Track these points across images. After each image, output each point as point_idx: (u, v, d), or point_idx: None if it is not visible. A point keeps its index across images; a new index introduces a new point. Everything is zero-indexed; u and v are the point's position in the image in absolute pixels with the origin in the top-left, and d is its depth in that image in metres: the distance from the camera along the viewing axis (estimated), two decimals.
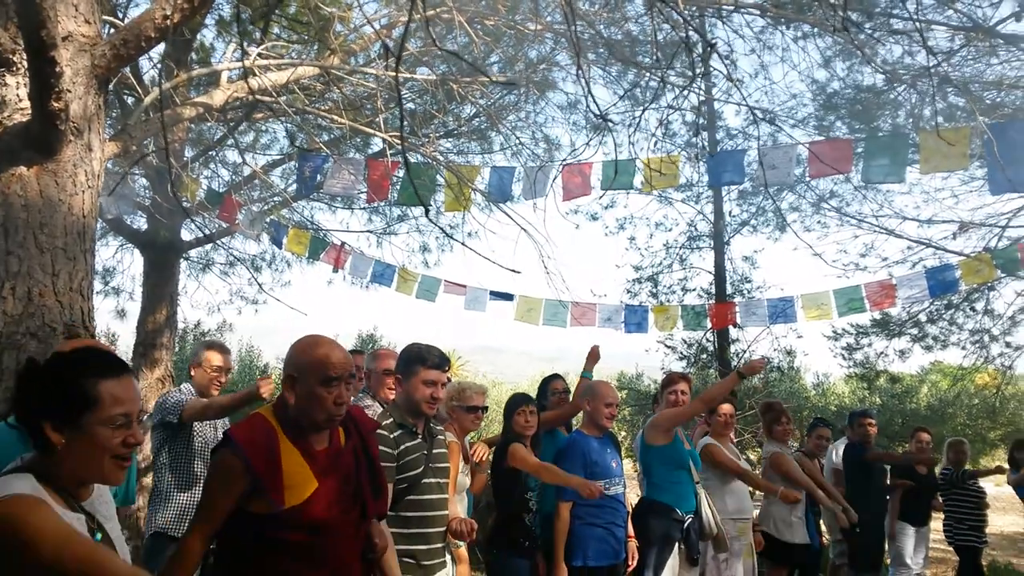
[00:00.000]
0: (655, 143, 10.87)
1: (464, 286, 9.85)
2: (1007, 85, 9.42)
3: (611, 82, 9.75)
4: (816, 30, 6.77)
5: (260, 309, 12.12)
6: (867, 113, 9.00)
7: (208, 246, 11.57)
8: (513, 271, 2.89)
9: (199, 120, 6.63)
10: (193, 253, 11.45)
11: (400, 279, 10.41)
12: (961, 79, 9.34)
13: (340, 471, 2.56)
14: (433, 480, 3.37)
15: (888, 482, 7.28)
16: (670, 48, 7.49)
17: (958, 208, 10.63)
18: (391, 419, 3.33)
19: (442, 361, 3.45)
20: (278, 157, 10.70)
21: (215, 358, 4.51)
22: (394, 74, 5.35)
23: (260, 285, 10.74)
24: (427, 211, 2.82)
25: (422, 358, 3.41)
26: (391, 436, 3.26)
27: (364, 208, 11.81)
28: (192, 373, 4.56)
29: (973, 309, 11.02)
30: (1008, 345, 11.14)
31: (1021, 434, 9.58)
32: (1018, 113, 8.49)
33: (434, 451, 3.42)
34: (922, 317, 11.42)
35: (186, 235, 10.63)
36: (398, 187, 8.88)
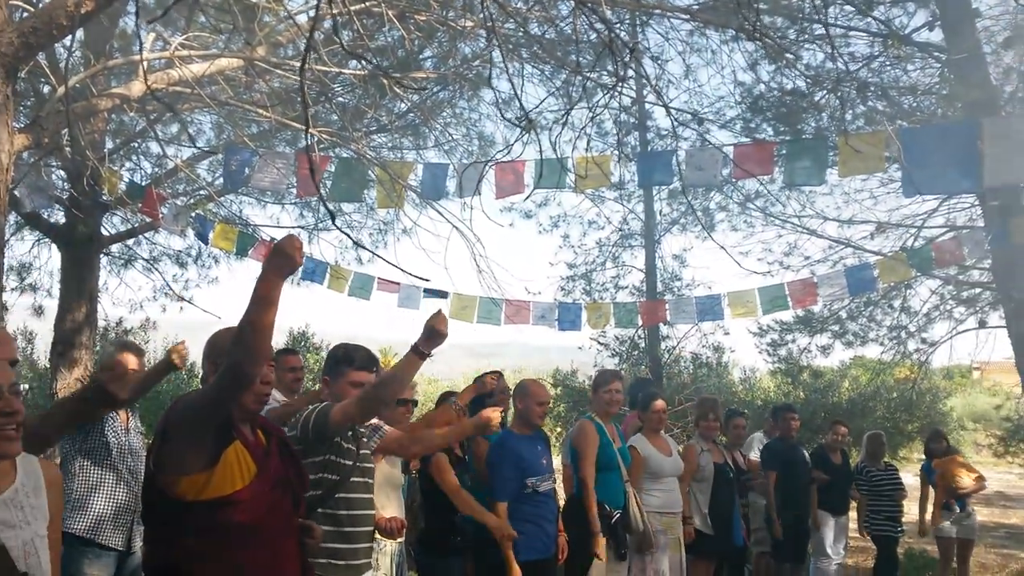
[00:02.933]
0: (587, 142, 11.00)
1: (398, 283, 9.78)
2: (921, 91, 9.86)
3: (546, 80, 9.81)
4: (739, 35, 6.95)
5: (185, 307, 11.77)
6: (790, 116, 9.29)
7: (130, 241, 11.21)
8: (423, 279, 2.88)
9: (117, 111, 6.39)
10: (114, 248, 11.06)
11: (332, 276, 10.28)
12: (879, 84, 9.73)
13: (271, 461, 2.58)
14: (360, 479, 3.34)
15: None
16: (599, 48, 7.58)
17: (876, 209, 11.01)
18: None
19: (370, 361, 3.41)
20: (205, 149, 10.42)
21: (130, 360, 4.35)
22: (322, 68, 5.27)
23: (170, 286, 10.45)
24: (333, 219, 2.72)
25: (349, 359, 3.37)
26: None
27: (295, 203, 11.61)
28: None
29: (891, 306, 11.48)
30: (924, 341, 11.65)
31: (936, 426, 10.01)
32: (930, 118, 8.88)
33: (361, 451, 3.38)
34: (843, 314, 11.83)
35: (107, 229, 10.27)
36: (330, 183, 8.76)
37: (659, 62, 11.00)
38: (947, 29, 8.94)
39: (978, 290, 10.43)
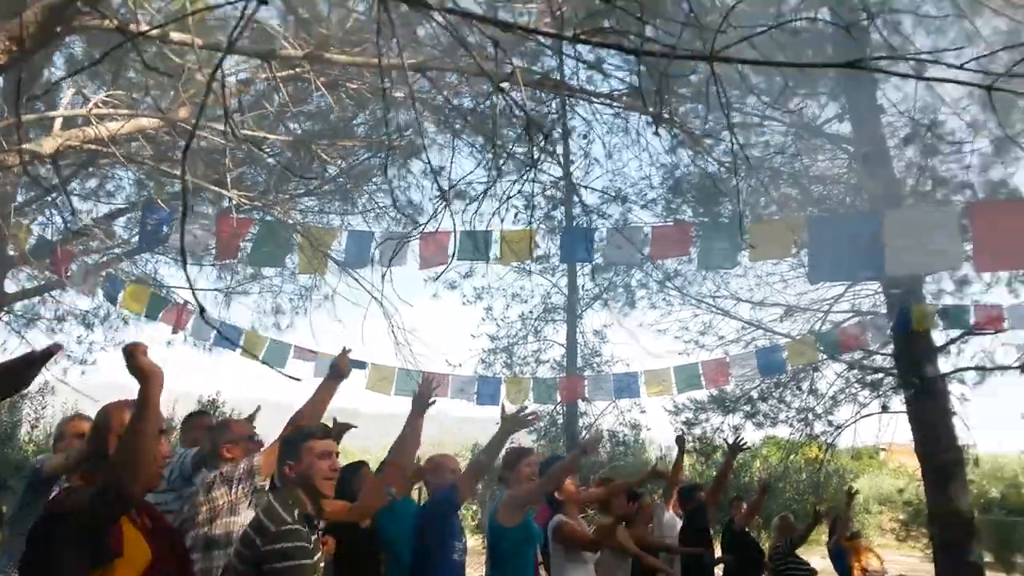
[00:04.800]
0: (515, 215, 11.19)
1: (315, 352, 9.59)
2: (829, 181, 10.44)
3: (476, 152, 10.01)
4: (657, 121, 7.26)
5: (87, 370, 11.23)
6: (707, 200, 9.67)
7: (35, 299, 10.71)
8: (294, 379, 2.87)
9: (28, 167, 6.18)
10: (17, 306, 10.54)
11: (247, 342, 10.01)
12: (791, 172, 10.26)
13: (161, 544, 2.49)
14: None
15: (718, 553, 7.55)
16: (521, 126, 7.81)
17: (787, 292, 11.46)
18: (290, 510, 3.04)
19: (324, 430, 3.37)
20: (123, 206, 10.13)
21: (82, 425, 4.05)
22: (248, 133, 5.25)
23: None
24: (202, 312, 2.64)
25: (307, 433, 3.25)
26: (303, 529, 3.00)
27: (214, 265, 11.36)
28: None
29: (799, 388, 11.84)
30: (830, 424, 11.99)
31: (841, 510, 10.24)
32: (837, 207, 9.38)
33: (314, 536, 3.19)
34: (754, 394, 12.11)
35: (10, 286, 9.79)
36: (251, 246, 8.62)
37: (586, 139, 11.40)
38: (855, 122, 9.52)
39: (881, 375, 10.86)
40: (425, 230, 8.03)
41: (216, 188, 5.63)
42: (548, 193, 12.18)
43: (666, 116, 4.98)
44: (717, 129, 9.68)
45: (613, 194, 10.62)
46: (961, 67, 2.73)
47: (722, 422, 12.35)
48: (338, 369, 4.04)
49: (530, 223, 10.04)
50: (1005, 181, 8.18)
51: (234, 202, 6.40)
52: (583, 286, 12.97)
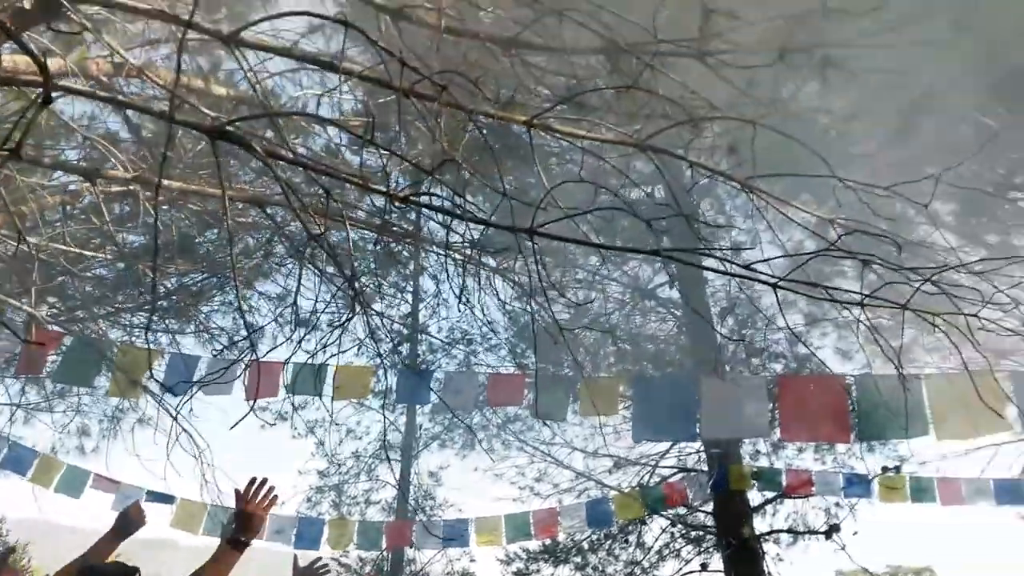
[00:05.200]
0: (358, 349, 10.96)
1: (117, 482, 8.75)
2: (660, 341, 11.04)
3: (327, 282, 9.83)
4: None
5: None
6: (545, 352, 9.92)
7: None
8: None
9: None
10: None
11: (42, 465, 9.01)
12: (626, 331, 10.78)
13: None
14: None
15: None
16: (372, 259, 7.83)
17: (619, 444, 11.72)
18: None
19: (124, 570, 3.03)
20: None
21: None
22: (59, 247, 4.93)
23: None
24: None
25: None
26: None
27: (16, 379, 10.32)
28: None
29: (627, 541, 11.93)
30: None
31: None
32: (664, 368, 9.86)
33: None
34: (585, 545, 12.08)
35: None
36: (58, 361, 7.93)
37: (437, 281, 11.54)
38: (683, 290, 10.19)
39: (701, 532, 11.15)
40: (257, 358, 7.73)
41: (16, 303, 5.20)
42: (395, 328, 12.12)
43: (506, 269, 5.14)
44: (562, 284, 10.13)
45: (459, 335, 10.71)
46: (748, 267, 3.01)
47: (552, 573, 12.17)
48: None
49: (375, 358, 9.90)
50: (809, 357, 8.94)
51: (43, 315, 5.92)
52: (421, 426, 12.76)
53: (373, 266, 8.59)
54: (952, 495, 9.19)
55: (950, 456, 10.49)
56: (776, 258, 3.11)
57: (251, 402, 7.92)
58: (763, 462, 11.16)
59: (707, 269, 3.39)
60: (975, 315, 3.30)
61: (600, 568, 12.04)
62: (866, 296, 3.05)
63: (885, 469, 10.65)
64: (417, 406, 12.40)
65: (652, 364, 10.00)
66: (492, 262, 6.18)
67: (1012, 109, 6.98)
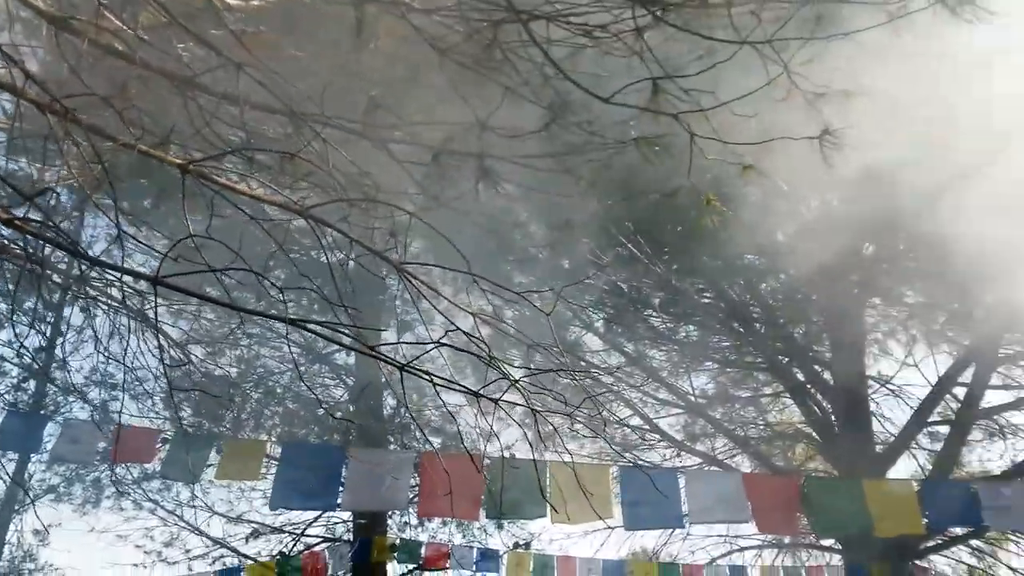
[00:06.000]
0: None
1: None
2: (328, 406, 10.90)
3: None
4: None
5: None
6: (196, 406, 9.29)
7: None
8: None
9: None
10: None
11: None
12: (294, 395, 10.48)
13: None
14: None
15: None
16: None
17: (264, 510, 11.17)
18: None
19: None
20: None
21: None
22: None
23: None
24: None
25: None
26: None
27: None
28: None
29: None
30: None
31: None
32: (306, 436, 9.71)
33: None
34: None
35: None
36: None
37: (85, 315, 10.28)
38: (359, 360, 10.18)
39: None
40: None
41: None
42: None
43: None
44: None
45: (99, 379, 9.59)
46: (373, 348, 3.11)
47: None
48: None
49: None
50: (455, 435, 9.41)
51: None
52: (30, 476, 11.05)
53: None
54: (568, 572, 10.07)
55: (573, 536, 11.61)
56: (408, 343, 3.26)
57: None
58: (410, 534, 11.39)
59: (341, 345, 3.44)
60: (600, 412, 3.75)
61: None
62: (480, 388, 3.31)
63: (516, 545, 11.46)
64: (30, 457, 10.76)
65: (307, 430, 9.82)
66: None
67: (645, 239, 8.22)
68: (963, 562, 10.98)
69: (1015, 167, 6.12)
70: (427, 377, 2.90)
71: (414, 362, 3.09)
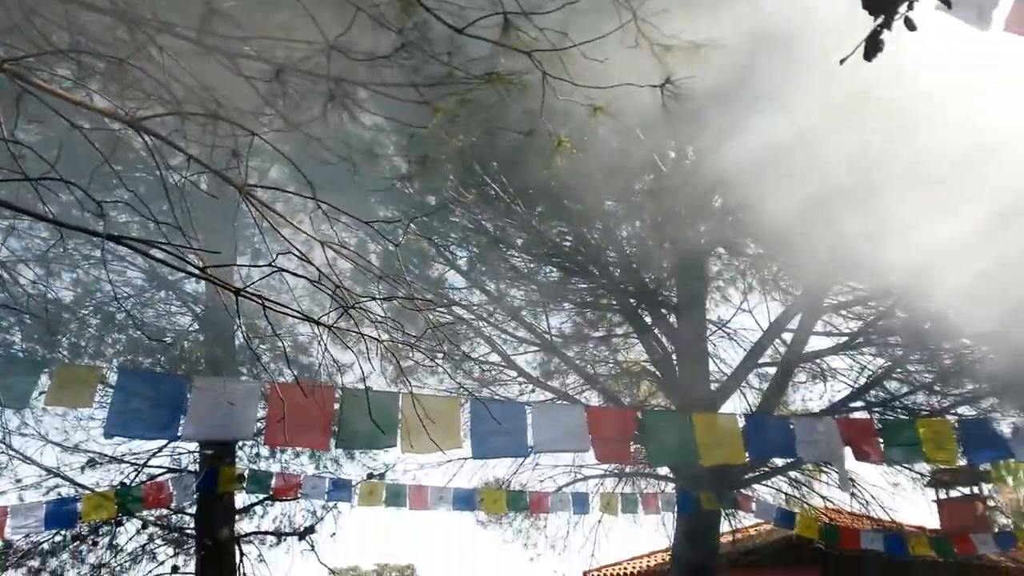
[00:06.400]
0: None
1: None
2: (171, 334, 10.45)
3: None
4: None
5: None
6: (27, 331, 8.69)
7: None
8: None
9: None
10: None
11: None
12: (137, 321, 9.97)
13: None
14: None
15: None
16: None
17: (104, 441, 10.70)
18: None
19: None
20: None
21: None
22: None
23: None
24: None
25: None
26: None
27: None
28: None
29: (95, 543, 10.93)
30: None
31: None
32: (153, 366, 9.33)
33: None
34: (46, 547, 10.80)
35: None
36: None
37: None
38: (209, 286, 9.81)
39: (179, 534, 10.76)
40: None
41: None
42: None
43: None
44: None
45: None
46: (204, 270, 3.02)
47: None
48: None
49: None
50: (310, 366, 9.33)
51: None
52: None
53: None
54: (420, 501, 10.30)
55: (427, 467, 11.85)
56: (245, 265, 3.19)
57: None
58: (262, 466, 11.27)
59: (167, 264, 3.31)
60: (442, 344, 3.82)
61: (59, 572, 10.83)
62: (324, 316, 3.30)
63: (371, 475, 11.59)
64: None
65: (151, 358, 9.44)
66: None
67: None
68: (782, 491, 12.08)
69: (848, 127, 6.59)
70: (259, 301, 2.84)
71: (250, 287, 3.02)
